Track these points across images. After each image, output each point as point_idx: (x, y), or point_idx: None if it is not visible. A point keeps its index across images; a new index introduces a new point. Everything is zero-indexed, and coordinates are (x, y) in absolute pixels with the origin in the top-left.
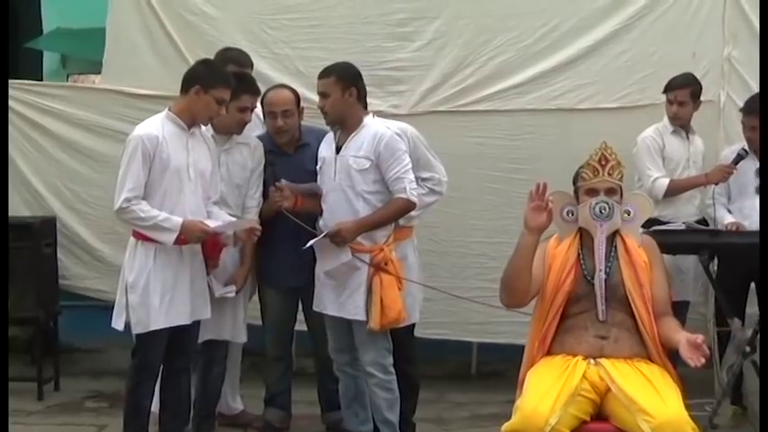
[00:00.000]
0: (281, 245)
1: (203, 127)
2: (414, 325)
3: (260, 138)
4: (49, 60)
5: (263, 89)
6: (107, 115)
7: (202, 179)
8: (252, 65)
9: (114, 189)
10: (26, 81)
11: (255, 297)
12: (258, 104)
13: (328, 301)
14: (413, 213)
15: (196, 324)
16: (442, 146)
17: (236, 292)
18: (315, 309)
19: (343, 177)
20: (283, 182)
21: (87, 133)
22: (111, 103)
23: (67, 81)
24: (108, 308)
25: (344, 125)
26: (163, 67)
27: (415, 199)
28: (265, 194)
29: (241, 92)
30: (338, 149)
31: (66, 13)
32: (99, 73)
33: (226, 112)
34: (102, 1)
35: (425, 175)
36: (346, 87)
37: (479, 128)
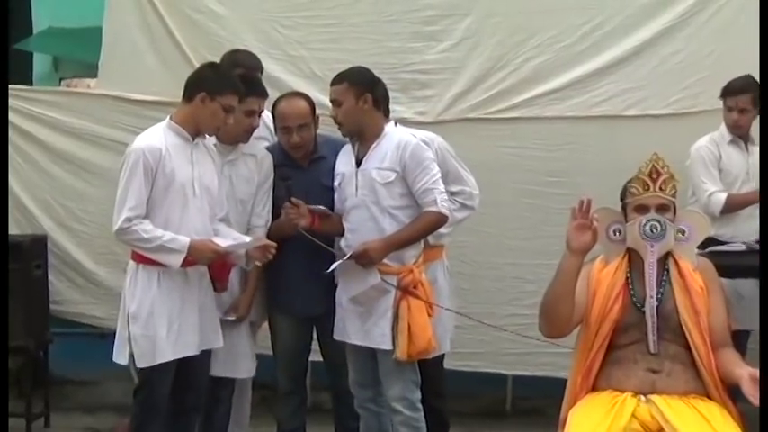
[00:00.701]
0: (294, 268)
1: (207, 137)
2: (443, 356)
3: (270, 149)
4: (40, 63)
5: (274, 94)
6: (103, 123)
7: (208, 195)
8: (262, 69)
9: (111, 205)
10: (14, 86)
11: (265, 325)
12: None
13: (352, 329)
14: (443, 231)
15: (206, 354)
16: (472, 157)
17: (239, 320)
18: (336, 337)
19: (367, 192)
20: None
21: (82, 143)
22: (107, 110)
23: (60, 86)
24: (104, 336)
25: (362, 135)
26: (165, 70)
27: (446, 212)
28: (275, 213)
29: (246, 94)
30: (358, 162)
31: (59, 11)
32: (94, 77)
33: (233, 120)
34: None
35: (455, 188)
36: (360, 94)
37: (514, 137)
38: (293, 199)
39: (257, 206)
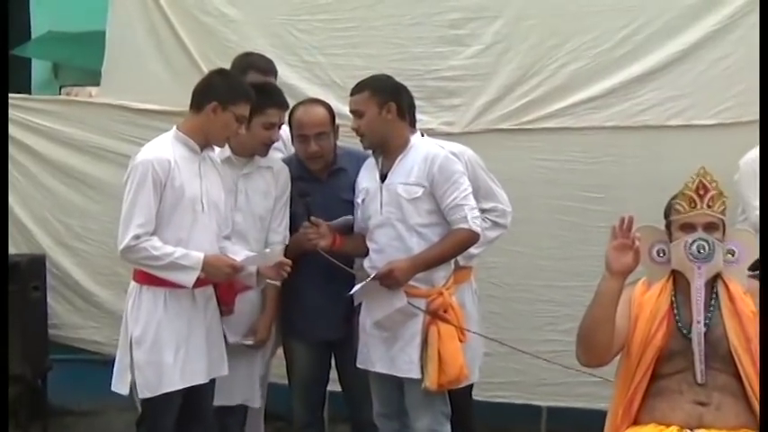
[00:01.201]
0: (312, 289)
1: (216, 149)
2: (471, 386)
3: (286, 161)
4: (39, 69)
5: (289, 102)
6: (106, 134)
7: (216, 211)
8: (276, 73)
9: (114, 222)
10: (12, 94)
11: (280, 352)
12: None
13: (376, 357)
14: (473, 251)
15: (211, 383)
16: (503, 170)
17: (258, 345)
18: (359, 365)
19: (392, 210)
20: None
21: (83, 156)
22: (111, 121)
23: (60, 94)
24: (106, 363)
25: (386, 148)
26: (172, 77)
27: (478, 229)
28: (292, 230)
29: (266, 105)
30: (383, 177)
31: (59, 14)
32: (97, 84)
33: (245, 130)
34: (102, 0)
35: (487, 205)
36: (383, 103)
37: (549, 149)
38: (313, 218)
39: (274, 221)
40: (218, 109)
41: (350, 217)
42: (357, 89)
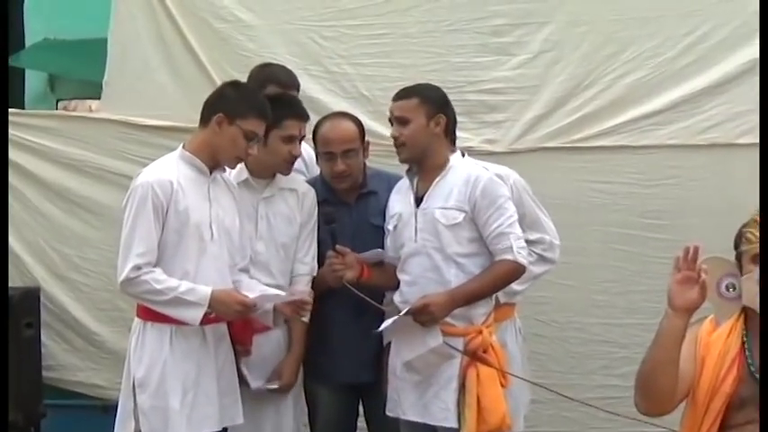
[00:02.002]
0: (337, 327)
1: (228, 170)
2: None
3: (310, 183)
4: (34, 81)
5: (314, 118)
6: (108, 153)
7: (228, 239)
8: (299, 87)
9: (117, 251)
10: None
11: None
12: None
13: (407, 403)
14: (516, 287)
15: None
16: (553, 195)
17: (285, 390)
18: (389, 413)
19: (428, 237)
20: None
21: (82, 177)
22: (113, 138)
23: (57, 108)
24: (106, 409)
25: (424, 165)
26: (182, 90)
27: (524, 261)
28: (318, 259)
29: (283, 117)
30: (418, 201)
31: (56, 20)
32: (98, 98)
33: (258, 149)
34: (103, 4)
35: (532, 236)
36: (433, 114)
37: (604, 170)
38: (338, 246)
39: (300, 251)
40: (225, 122)
41: (381, 250)
42: (405, 94)
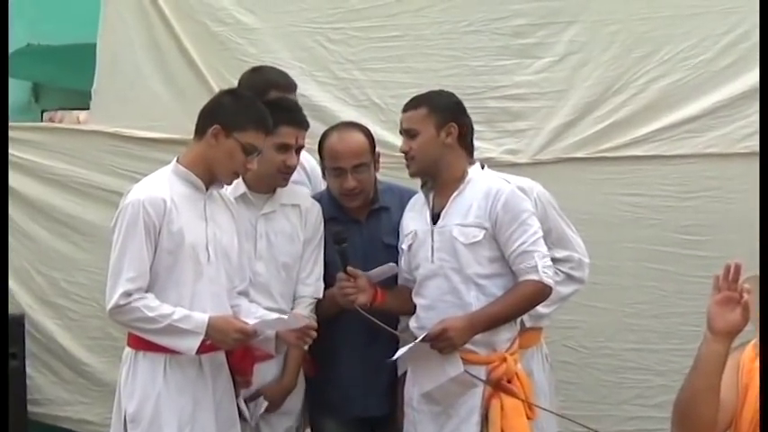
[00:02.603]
0: (347, 355)
1: (225, 186)
2: None
3: (317, 198)
4: (17, 90)
5: (319, 128)
6: (98, 168)
7: (226, 261)
8: (296, 87)
9: (107, 275)
10: None
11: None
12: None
13: None
14: (542, 310)
15: None
16: (581, 209)
17: (268, 410)
18: None
19: (446, 257)
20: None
21: (69, 195)
22: (103, 152)
23: (42, 120)
24: None
25: (438, 179)
26: (177, 99)
27: (550, 281)
28: (326, 281)
29: (278, 123)
30: (435, 218)
31: (41, 24)
32: (86, 108)
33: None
34: (91, 6)
35: (559, 254)
36: (443, 123)
37: (636, 182)
38: (350, 269)
39: (303, 271)
40: (221, 134)
41: (393, 264)
42: (412, 104)
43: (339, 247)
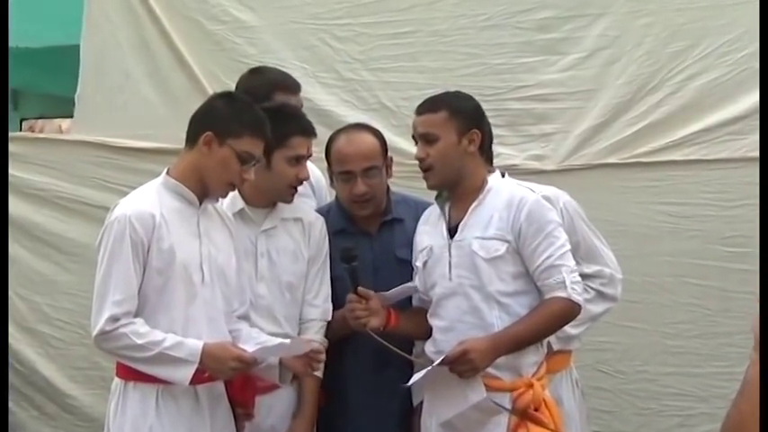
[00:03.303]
0: (358, 381)
1: (221, 199)
2: None
3: (322, 211)
4: None
5: (323, 133)
6: (83, 182)
7: (222, 281)
8: (300, 88)
9: (92, 298)
10: None
11: None
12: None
13: None
14: (572, 330)
15: None
16: (613, 220)
17: None
18: None
19: (465, 274)
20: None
21: (52, 211)
22: (88, 163)
23: (20, 129)
24: None
25: (457, 189)
26: (170, 106)
27: (579, 298)
28: (334, 300)
29: (289, 134)
30: (452, 231)
31: (19, 25)
32: (69, 116)
33: (255, 175)
34: (74, 6)
35: (590, 269)
36: (465, 129)
37: (675, 189)
38: (361, 289)
39: (309, 291)
40: (214, 141)
41: (411, 285)
42: (431, 107)
43: (349, 265)
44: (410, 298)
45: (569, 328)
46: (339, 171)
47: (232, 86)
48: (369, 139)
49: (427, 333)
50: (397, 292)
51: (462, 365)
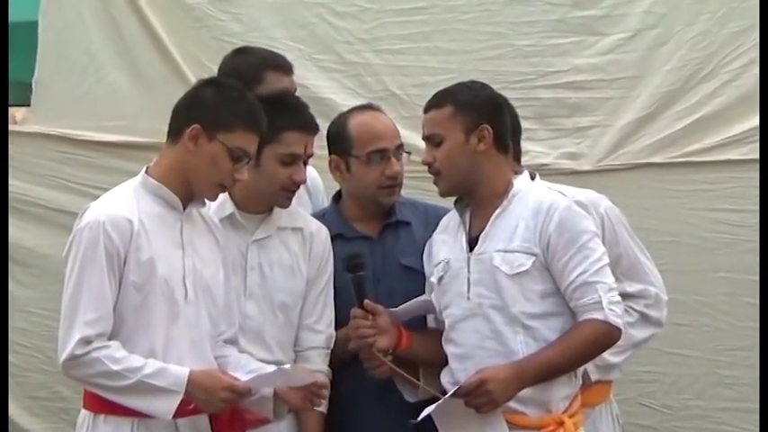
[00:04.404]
0: (359, 415)
1: (208, 203)
2: None
3: (319, 216)
4: None
5: (322, 125)
6: (41, 181)
7: (209, 299)
8: (292, 70)
9: (57, 315)
10: None
11: None
12: None
13: None
14: (611, 358)
15: None
16: (660, 229)
17: None
18: None
19: (486, 292)
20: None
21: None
22: (48, 159)
23: None
24: None
25: (475, 194)
26: (143, 92)
27: (618, 321)
28: (336, 318)
29: (283, 127)
30: (471, 243)
31: None
32: (25, 104)
33: (249, 171)
34: None
35: (632, 288)
36: (473, 126)
37: (732, 194)
38: (367, 302)
39: (311, 314)
40: (201, 136)
41: (427, 298)
42: (435, 102)
43: (354, 275)
44: (424, 318)
45: (609, 356)
46: (370, 150)
47: (215, 70)
48: (389, 119)
49: (443, 360)
50: (410, 307)
51: (479, 398)
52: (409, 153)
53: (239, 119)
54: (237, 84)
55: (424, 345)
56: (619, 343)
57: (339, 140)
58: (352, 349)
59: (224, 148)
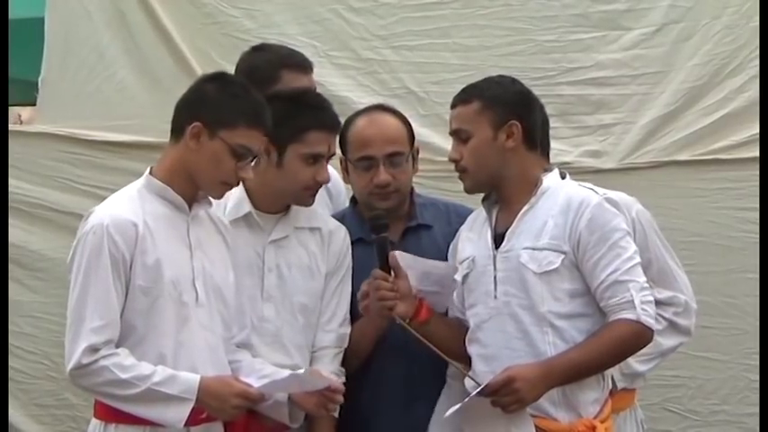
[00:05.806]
0: (380, 421)
1: (214, 202)
2: None
3: (339, 217)
4: None
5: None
6: (47, 183)
7: (220, 302)
8: (312, 68)
9: (63, 321)
10: None
11: None
12: None
13: None
14: (638, 366)
15: None
16: (687, 229)
17: None
18: None
19: (513, 291)
20: (402, 257)
21: (10, 217)
22: (54, 160)
23: None
24: None
25: (502, 191)
26: (152, 91)
27: (650, 321)
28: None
29: (307, 126)
30: (498, 240)
31: None
32: (31, 103)
33: (266, 173)
34: None
35: (662, 295)
36: (501, 121)
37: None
38: (392, 259)
39: (324, 313)
40: (203, 133)
41: (448, 264)
42: (462, 98)
43: (378, 236)
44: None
45: (636, 364)
46: (358, 157)
47: (226, 67)
48: (393, 122)
49: (461, 351)
50: (432, 263)
51: (506, 396)
52: (418, 149)
53: (242, 115)
54: (241, 79)
55: (443, 326)
56: (646, 351)
57: (341, 143)
58: (364, 309)
59: (226, 145)
